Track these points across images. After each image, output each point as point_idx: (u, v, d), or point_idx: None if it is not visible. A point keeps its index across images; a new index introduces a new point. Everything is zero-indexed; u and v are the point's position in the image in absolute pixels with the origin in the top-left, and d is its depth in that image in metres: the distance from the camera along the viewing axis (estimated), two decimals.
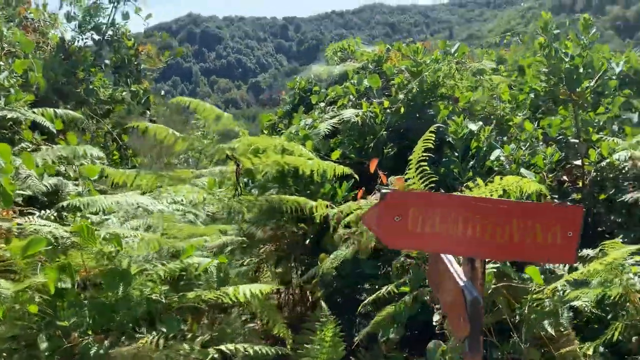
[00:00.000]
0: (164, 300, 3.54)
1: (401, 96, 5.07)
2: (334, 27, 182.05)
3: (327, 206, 4.03)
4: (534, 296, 3.30)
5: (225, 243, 4.62)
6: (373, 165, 3.58)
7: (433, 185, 3.65)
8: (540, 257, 1.80)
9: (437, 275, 1.96)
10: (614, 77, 5.25)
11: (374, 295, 3.79)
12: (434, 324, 3.29)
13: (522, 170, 4.02)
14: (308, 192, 4.90)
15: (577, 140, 4.92)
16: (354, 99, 5.45)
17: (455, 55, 5.42)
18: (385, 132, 4.78)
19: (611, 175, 4.73)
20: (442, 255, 1.90)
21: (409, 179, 3.55)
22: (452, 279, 1.74)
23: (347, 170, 4.33)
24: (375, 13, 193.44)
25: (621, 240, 3.65)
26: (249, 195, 4.45)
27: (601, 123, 4.83)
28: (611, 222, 4.51)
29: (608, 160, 4.66)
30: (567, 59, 4.73)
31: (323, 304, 3.29)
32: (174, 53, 7.85)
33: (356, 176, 4.42)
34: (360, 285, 4.82)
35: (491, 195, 3.43)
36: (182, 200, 4.53)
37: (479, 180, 3.60)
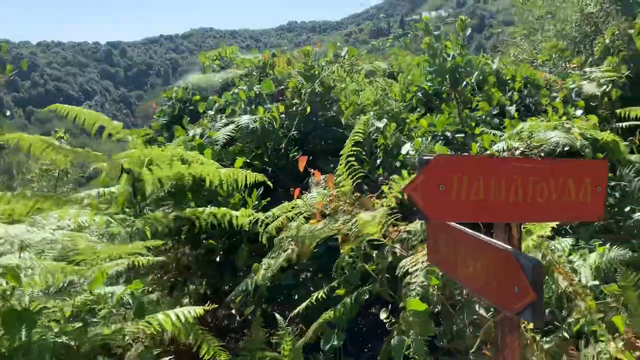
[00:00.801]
0: (72, 343, 2.96)
1: (296, 100, 4.95)
2: (164, 51, 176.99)
3: (250, 215, 3.73)
4: None
5: (121, 271, 4.07)
6: (302, 164, 3.39)
7: (359, 180, 3.57)
8: (574, 216, 1.79)
9: (455, 251, 1.84)
10: (483, 76, 5.69)
11: (303, 304, 3.57)
12: (384, 321, 3.17)
13: None
14: (210, 204, 4.51)
15: (462, 135, 5.23)
16: (244, 105, 5.20)
17: (346, 58, 5.48)
18: (292, 134, 4.61)
19: None
20: (457, 227, 1.79)
21: (339, 175, 3.43)
22: (490, 248, 1.63)
23: (260, 177, 4.08)
24: (206, 37, 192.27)
25: None
26: (156, 213, 3.95)
27: (484, 117, 5.19)
28: None
29: (489, 152, 5.01)
30: (449, 59, 5.02)
31: (278, 316, 2.99)
32: (19, 66, 6.82)
33: (270, 183, 4.18)
34: (277, 297, 4.55)
35: None
36: (68, 226, 3.86)
37: (404, 173, 3.60)
